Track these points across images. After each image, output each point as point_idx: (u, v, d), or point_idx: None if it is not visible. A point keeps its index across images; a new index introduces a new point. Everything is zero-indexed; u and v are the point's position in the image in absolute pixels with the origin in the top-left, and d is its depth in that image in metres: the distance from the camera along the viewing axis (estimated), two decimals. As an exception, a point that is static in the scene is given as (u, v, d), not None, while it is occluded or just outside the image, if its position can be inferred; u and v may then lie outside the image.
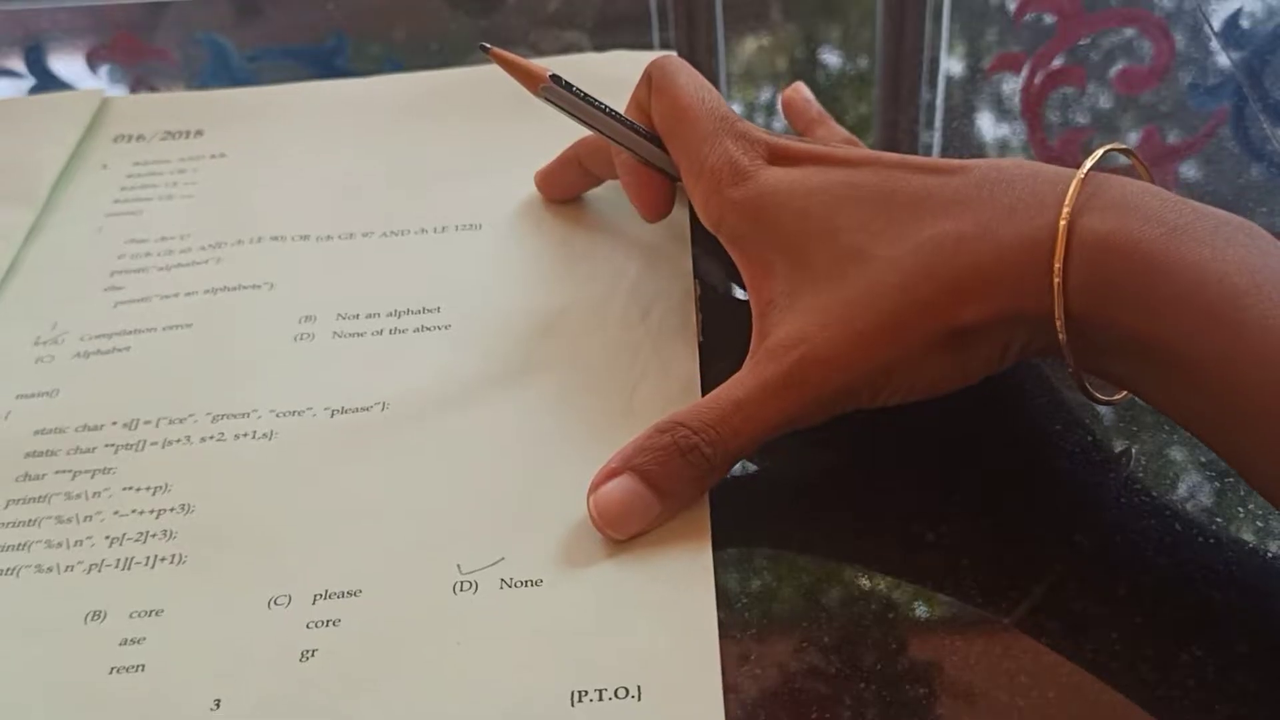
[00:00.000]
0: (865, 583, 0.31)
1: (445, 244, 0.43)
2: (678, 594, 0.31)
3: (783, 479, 0.34)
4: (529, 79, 0.37)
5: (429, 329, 0.39)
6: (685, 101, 0.36)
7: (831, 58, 0.54)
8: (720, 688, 0.28)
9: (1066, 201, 0.29)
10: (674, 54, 0.38)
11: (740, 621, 0.30)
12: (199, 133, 0.49)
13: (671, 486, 0.32)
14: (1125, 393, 0.33)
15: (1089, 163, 0.30)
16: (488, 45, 0.36)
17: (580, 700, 0.28)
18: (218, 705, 0.29)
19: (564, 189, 0.43)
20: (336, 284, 0.41)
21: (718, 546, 0.32)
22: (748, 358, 0.33)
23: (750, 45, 0.54)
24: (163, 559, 0.33)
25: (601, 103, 0.37)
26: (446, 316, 0.40)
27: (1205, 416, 0.29)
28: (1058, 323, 0.29)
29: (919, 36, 0.54)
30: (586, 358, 0.38)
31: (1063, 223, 0.29)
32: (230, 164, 0.48)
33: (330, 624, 0.31)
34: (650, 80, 0.37)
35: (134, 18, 0.59)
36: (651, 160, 0.38)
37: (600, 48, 0.52)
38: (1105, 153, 0.31)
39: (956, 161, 0.33)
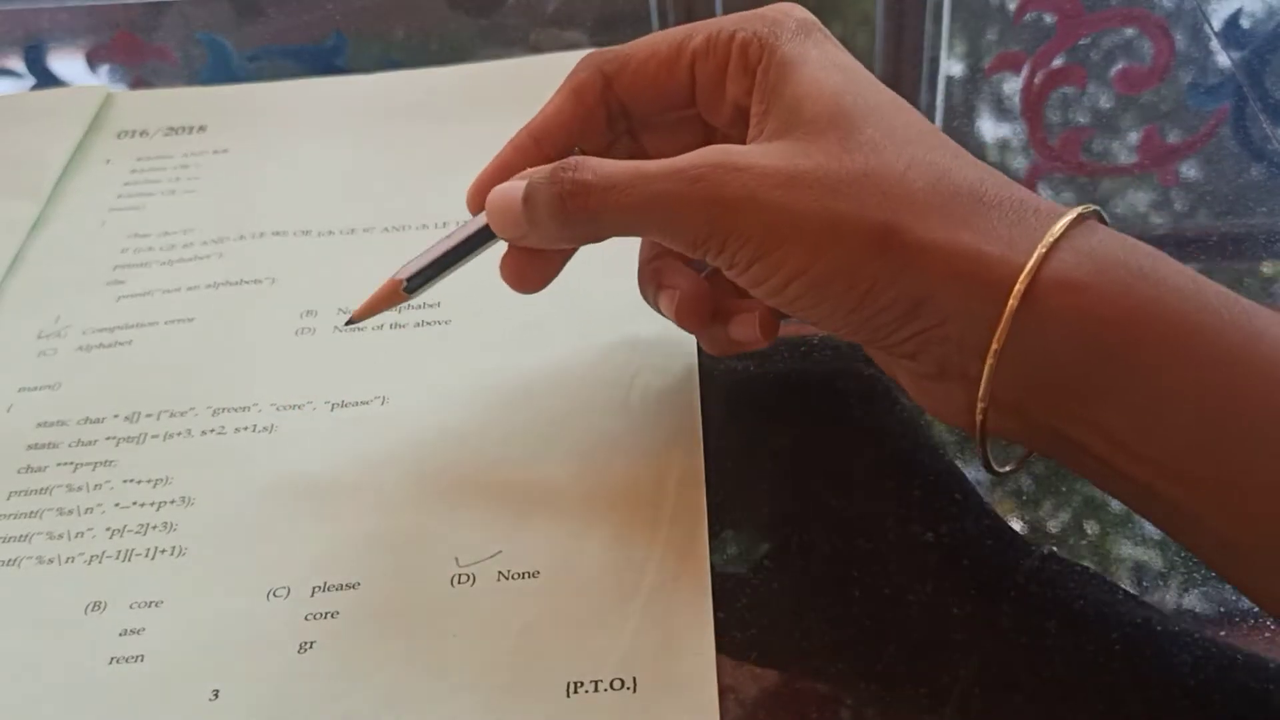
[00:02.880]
0: (865, 582, 0.31)
1: None
2: (673, 586, 0.31)
3: (782, 477, 0.34)
4: (393, 297, 0.34)
5: (429, 324, 0.40)
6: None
7: (832, 57, 0.54)
8: (715, 679, 0.28)
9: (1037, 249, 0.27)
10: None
11: (739, 621, 0.30)
12: (201, 129, 0.50)
13: (540, 218, 0.31)
14: (1021, 462, 0.32)
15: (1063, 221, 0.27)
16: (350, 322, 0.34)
17: (576, 691, 0.29)
18: (216, 695, 0.29)
19: None
20: (337, 279, 0.42)
21: (716, 547, 0.32)
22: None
23: (751, 45, 0.54)
24: (163, 551, 0.33)
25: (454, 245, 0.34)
26: (446, 312, 0.40)
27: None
28: (1017, 287, 0.26)
29: (919, 36, 0.55)
30: (585, 352, 0.38)
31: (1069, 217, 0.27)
32: (232, 160, 0.48)
33: (329, 616, 0.31)
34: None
35: (134, 17, 0.59)
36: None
37: (600, 47, 0.52)
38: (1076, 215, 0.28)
39: None
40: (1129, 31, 0.52)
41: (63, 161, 0.48)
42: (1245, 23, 0.52)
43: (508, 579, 0.31)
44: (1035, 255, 0.26)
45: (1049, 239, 0.27)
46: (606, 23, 0.56)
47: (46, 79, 0.56)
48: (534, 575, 0.31)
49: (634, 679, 0.29)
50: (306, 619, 0.31)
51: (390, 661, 0.30)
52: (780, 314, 0.33)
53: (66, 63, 0.57)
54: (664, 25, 0.56)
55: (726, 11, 0.33)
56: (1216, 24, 0.51)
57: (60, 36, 0.58)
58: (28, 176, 0.47)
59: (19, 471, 0.36)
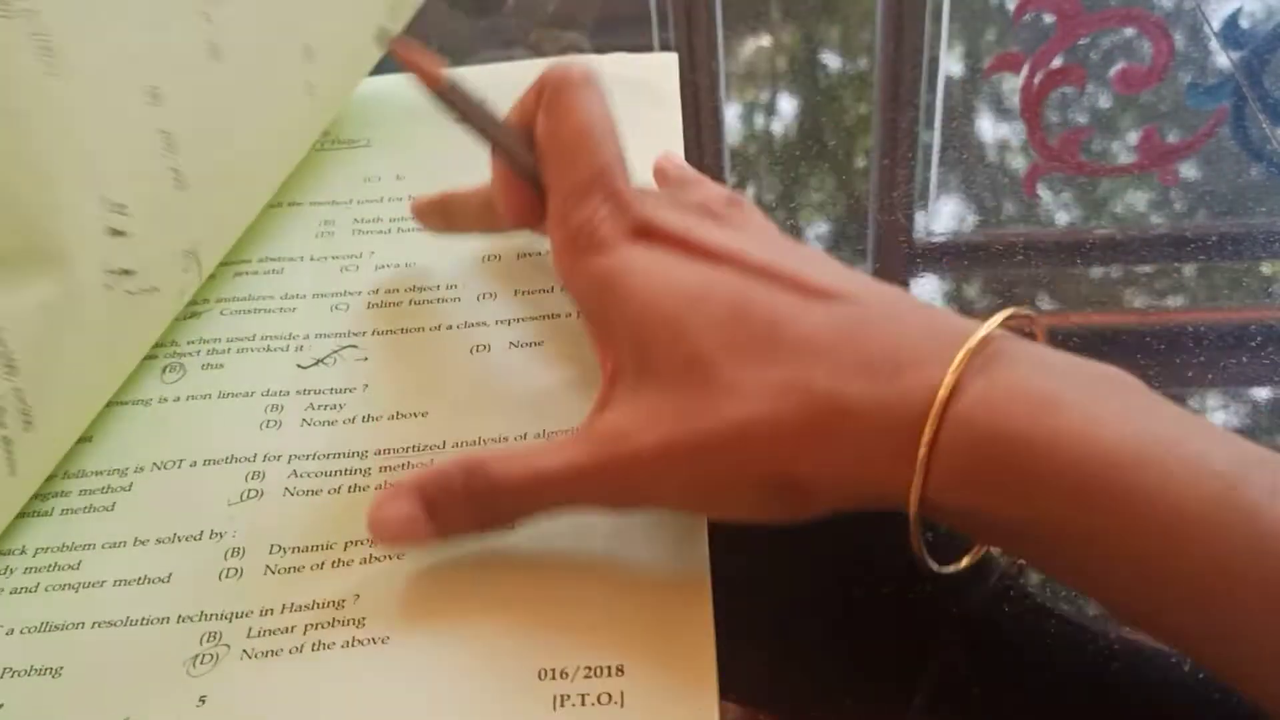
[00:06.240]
0: (865, 581, 0.31)
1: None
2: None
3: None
4: (429, 79, 0.35)
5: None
6: (570, 136, 0.33)
7: (831, 58, 0.54)
8: (715, 679, 0.28)
9: (951, 369, 0.26)
10: (579, 66, 0.34)
11: (739, 620, 0.30)
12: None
13: (452, 524, 0.31)
14: (969, 560, 0.31)
15: (982, 330, 0.27)
16: (393, 40, 0.35)
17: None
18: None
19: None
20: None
21: (716, 545, 0.32)
22: (581, 423, 0.31)
23: (750, 45, 0.54)
24: None
25: (492, 112, 0.35)
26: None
27: (1101, 581, 0.26)
28: (911, 504, 0.27)
29: (919, 36, 0.55)
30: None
31: (941, 393, 0.26)
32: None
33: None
34: (542, 93, 0.34)
35: (136, 17, 0.59)
36: (525, 174, 0.35)
37: (600, 48, 0.52)
38: (1003, 319, 0.27)
39: (831, 284, 0.29)
40: (1128, 31, 0.52)
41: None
42: (1244, 23, 0.52)
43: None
44: (965, 347, 0.26)
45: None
46: (606, 23, 0.56)
47: (46, 80, 0.56)
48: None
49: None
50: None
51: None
52: None
53: (66, 64, 0.57)
54: (664, 26, 0.56)
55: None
56: (1216, 24, 0.51)
57: (60, 38, 0.58)
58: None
59: None
